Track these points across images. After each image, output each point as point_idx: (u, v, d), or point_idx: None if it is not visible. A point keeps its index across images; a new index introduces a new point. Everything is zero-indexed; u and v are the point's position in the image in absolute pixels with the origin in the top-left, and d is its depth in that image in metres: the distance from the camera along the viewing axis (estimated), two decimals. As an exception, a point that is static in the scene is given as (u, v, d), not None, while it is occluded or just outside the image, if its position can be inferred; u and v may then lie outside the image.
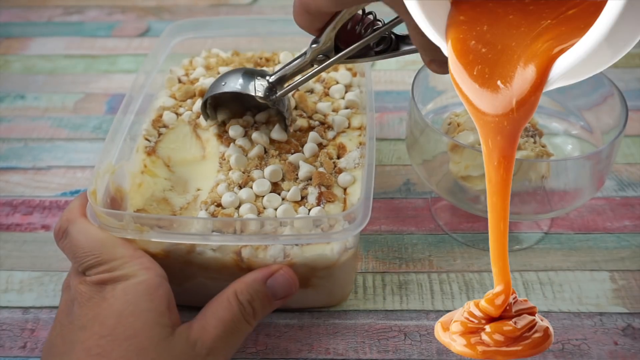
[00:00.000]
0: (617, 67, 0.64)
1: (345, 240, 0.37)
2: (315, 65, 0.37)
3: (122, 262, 0.34)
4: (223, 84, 0.41)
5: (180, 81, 0.49)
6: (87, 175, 0.54)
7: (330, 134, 0.44)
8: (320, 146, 0.43)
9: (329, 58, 0.36)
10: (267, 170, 0.40)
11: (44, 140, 0.58)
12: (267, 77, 0.40)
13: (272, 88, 0.39)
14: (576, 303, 0.42)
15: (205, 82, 0.47)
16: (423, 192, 0.51)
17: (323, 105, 0.45)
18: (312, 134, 0.43)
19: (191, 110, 0.46)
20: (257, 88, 0.39)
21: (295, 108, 0.46)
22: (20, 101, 0.63)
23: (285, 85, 0.40)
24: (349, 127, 0.44)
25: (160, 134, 0.45)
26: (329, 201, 0.39)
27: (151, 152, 0.43)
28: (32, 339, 0.41)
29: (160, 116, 0.45)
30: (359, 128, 0.44)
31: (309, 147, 0.42)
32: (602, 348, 0.39)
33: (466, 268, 0.45)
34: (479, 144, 0.43)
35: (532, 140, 0.45)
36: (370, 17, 0.35)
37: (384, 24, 0.34)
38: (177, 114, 0.46)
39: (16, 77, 0.67)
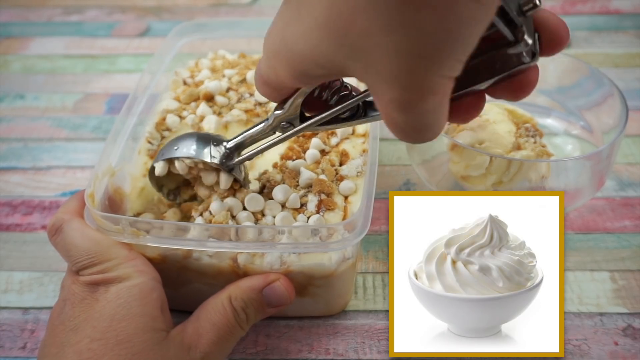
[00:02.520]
0: (617, 66, 0.64)
1: (343, 250, 0.36)
2: (278, 133, 0.35)
3: (116, 264, 0.34)
4: (175, 148, 0.37)
5: (185, 83, 0.49)
6: (87, 175, 0.54)
7: (333, 141, 0.43)
8: (323, 153, 0.42)
9: (293, 126, 0.34)
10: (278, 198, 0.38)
11: (44, 141, 0.58)
12: (225, 143, 0.37)
13: (229, 154, 0.37)
14: (576, 303, 0.42)
15: (210, 85, 0.47)
16: (423, 192, 0.51)
17: None
18: (315, 140, 0.42)
19: (195, 114, 0.45)
20: (213, 154, 0.36)
21: None
22: (20, 101, 0.63)
23: (244, 152, 0.37)
24: (353, 134, 0.44)
25: (163, 137, 0.44)
26: (329, 209, 0.38)
27: (154, 155, 0.43)
28: (32, 340, 0.41)
29: (164, 119, 0.45)
30: (363, 135, 0.44)
31: (311, 153, 0.41)
32: (603, 348, 0.39)
33: (466, 268, 0.45)
34: (479, 144, 0.44)
35: (532, 140, 0.45)
36: (337, 82, 0.32)
37: (353, 94, 0.32)
38: (181, 117, 0.45)
39: (16, 77, 0.67)
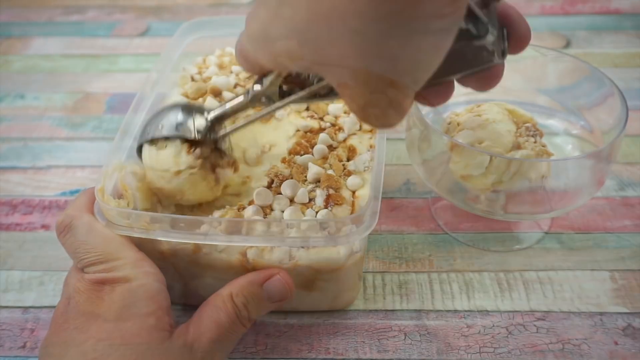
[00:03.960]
0: (617, 66, 0.64)
1: (351, 243, 0.36)
2: (258, 106, 0.35)
3: (123, 264, 0.34)
4: (160, 127, 0.38)
5: (193, 79, 0.49)
6: (87, 174, 0.54)
7: (340, 136, 0.43)
8: (330, 148, 0.42)
9: (273, 100, 0.34)
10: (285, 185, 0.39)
11: (44, 140, 0.58)
12: (206, 115, 0.37)
13: (211, 127, 0.37)
14: (576, 303, 0.42)
15: (218, 80, 0.47)
16: (423, 192, 0.51)
17: (334, 107, 0.45)
18: (322, 136, 0.43)
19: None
20: (197, 127, 0.37)
21: (307, 109, 0.46)
22: (20, 101, 0.63)
23: (226, 125, 0.38)
24: (360, 129, 0.44)
25: None
26: (337, 204, 0.38)
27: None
28: (31, 339, 0.41)
29: None
30: (370, 130, 0.44)
31: (319, 148, 0.42)
32: (603, 348, 0.39)
33: (466, 268, 0.45)
34: (479, 143, 0.44)
35: (532, 139, 0.45)
36: None
37: None
38: None
39: (16, 76, 0.67)
